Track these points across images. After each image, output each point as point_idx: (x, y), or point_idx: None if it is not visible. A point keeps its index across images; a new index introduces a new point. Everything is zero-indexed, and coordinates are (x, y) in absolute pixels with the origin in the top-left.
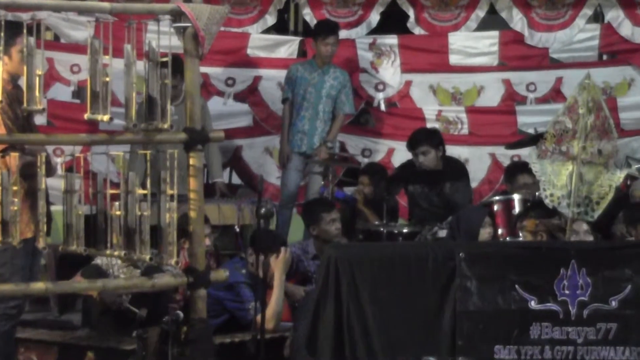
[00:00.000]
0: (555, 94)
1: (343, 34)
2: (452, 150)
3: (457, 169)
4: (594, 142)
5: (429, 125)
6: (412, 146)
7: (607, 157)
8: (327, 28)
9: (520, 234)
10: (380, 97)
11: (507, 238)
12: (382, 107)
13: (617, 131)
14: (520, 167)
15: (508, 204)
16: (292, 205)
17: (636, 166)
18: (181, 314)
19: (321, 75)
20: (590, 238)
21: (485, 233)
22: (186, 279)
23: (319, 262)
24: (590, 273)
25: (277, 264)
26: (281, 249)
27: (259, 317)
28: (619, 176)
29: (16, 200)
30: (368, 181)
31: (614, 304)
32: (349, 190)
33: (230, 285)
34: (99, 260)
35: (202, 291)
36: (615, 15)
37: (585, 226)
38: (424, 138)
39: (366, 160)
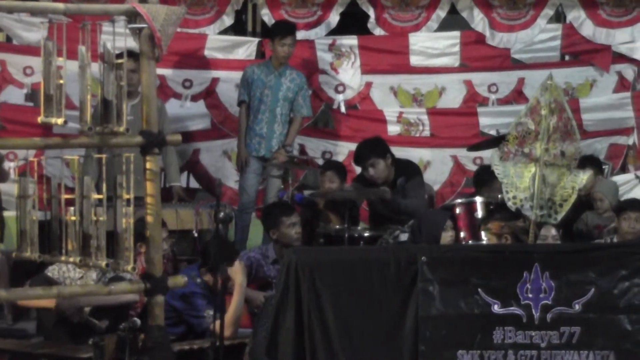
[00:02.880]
0: (517, 95)
1: (302, 34)
2: (414, 153)
3: (409, 168)
4: (556, 143)
5: (390, 127)
6: (358, 161)
7: (569, 159)
8: (284, 28)
9: (484, 236)
10: (340, 98)
11: (470, 241)
12: (342, 109)
13: (580, 132)
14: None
15: (470, 207)
16: (251, 210)
17: (635, 172)
18: (138, 321)
19: (277, 77)
20: (552, 232)
21: (447, 236)
22: (143, 285)
23: (279, 267)
24: (553, 276)
25: (237, 272)
26: (235, 262)
27: (216, 325)
28: (582, 178)
29: None
30: (335, 177)
31: (577, 307)
32: (309, 193)
33: (184, 296)
34: (49, 273)
35: (159, 298)
36: (576, 16)
37: (553, 231)
38: (369, 150)
39: None
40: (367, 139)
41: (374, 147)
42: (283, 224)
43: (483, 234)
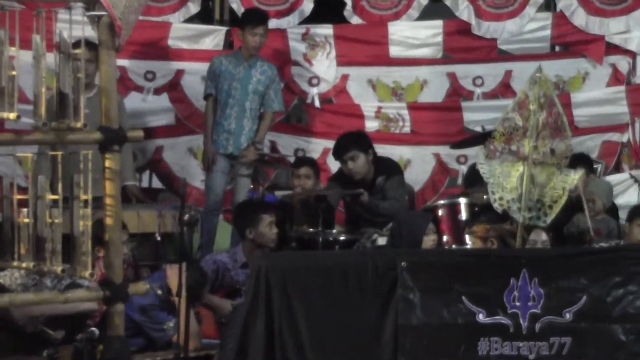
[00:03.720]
0: (504, 89)
1: (273, 23)
2: (393, 151)
3: (389, 166)
4: (546, 141)
5: (368, 123)
6: (338, 153)
7: (560, 157)
8: (256, 17)
9: (469, 241)
10: (314, 92)
11: (453, 246)
12: (317, 103)
13: (571, 129)
14: None
15: (454, 209)
16: (219, 212)
17: (630, 172)
18: (96, 331)
19: (247, 69)
20: (543, 236)
21: (429, 240)
22: (102, 293)
23: (249, 272)
24: (542, 283)
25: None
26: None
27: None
28: (573, 178)
29: None
30: (311, 172)
31: (568, 316)
32: (281, 194)
33: (144, 308)
34: (0, 279)
35: (119, 306)
36: (568, 4)
37: (544, 236)
38: (351, 142)
39: None
40: (349, 132)
41: (356, 139)
42: (262, 222)
43: (467, 237)
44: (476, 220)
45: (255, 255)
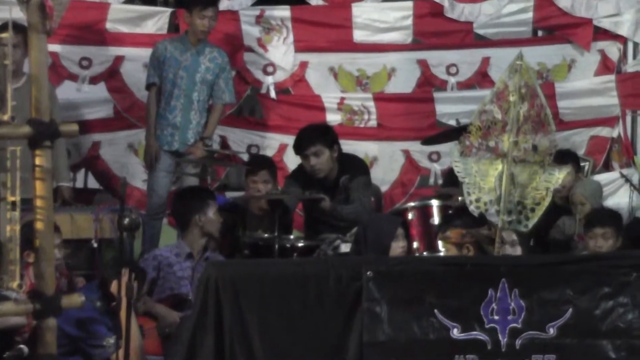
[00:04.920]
0: (481, 78)
1: (224, 4)
2: (357, 146)
3: (354, 164)
4: (527, 136)
5: (329, 116)
6: (300, 147)
7: (543, 154)
8: None
9: (442, 247)
10: (269, 81)
11: (425, 253)
12: (272, 94)
13: (555, 123)
14: None
15: (425, 212)
16: (162, 215)
17: (620, 170)
18: (25, 349)
19: (195, 55)
20: (518, 251)
21: (397, 247)
22: (32, 306)
23: (197, 283)
24: (523, 294)
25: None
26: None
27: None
28: (558, 177)
29: None
30: (270, 177)
31: (552, 331)
32: (232, 195)
33: (81, 322)
34: None
35: (51, 321)
36: None
37: (513, 236)
38: (315, 135)
39: None
40: (313, 123)
41: (321, 133)
42: (210, 208)
43: (440, 243)
44: (450, 225)
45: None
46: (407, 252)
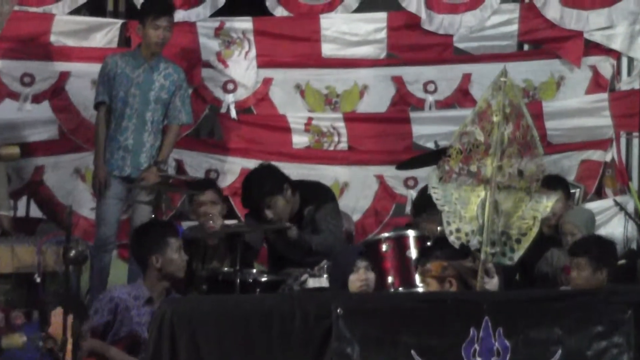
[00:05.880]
0: (462, 96)
1: (180, 15)
2: (327, 171)
3: (318, 193)
4: (512, 160)
5: (295, 137)
6: (250, 205)
7: (529, 180)
8: (158, 6)
9: (421, 281)
10: (229, 100)
11: (400, 288)
12: (233, 113)
13: (543, 145)
14: None
15: (401, 243)
16: (112, 246)
17: (614, 197)
18: None
19: (148, 72)
20: (495, 281)
21: (356, 280)
22: None
23: (151, 321)
24: (508, 333)
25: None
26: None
27: None
28: (546, 205)
29: None
30: (216, 197)
31: None
32: (189, 225)
33: None
34: None
35: None
36: None
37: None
38: (261, 188)
39: None
40: (253, 172)
41: (264, 183)
42: (170, 247)
43: (418, 278)
44: (430, 256)
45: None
46: (380, 286)
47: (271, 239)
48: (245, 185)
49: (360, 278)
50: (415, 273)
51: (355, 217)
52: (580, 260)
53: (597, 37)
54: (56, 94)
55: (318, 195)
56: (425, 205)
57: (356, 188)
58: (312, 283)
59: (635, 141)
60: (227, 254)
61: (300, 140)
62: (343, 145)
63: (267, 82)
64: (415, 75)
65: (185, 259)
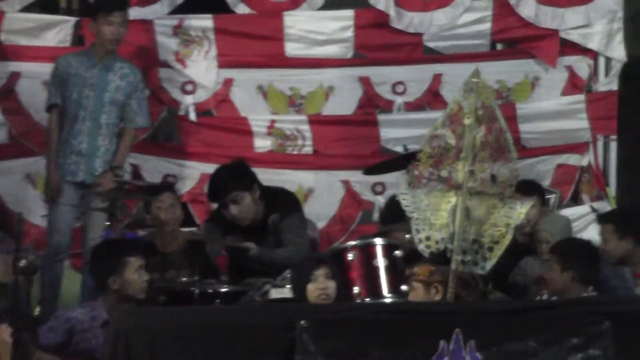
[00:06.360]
0: (432, 98)
1: (136, 12)
2: (291, 177)
3: (283, 200)
4: (485, 164)
5: (258, 141)
6: (216, 196)
7: (503, 186)
8: (112, 1)
9: (406, 289)
10: (188, 102)
11: (367, 299)
12: (192, 116)
13: (517, 149)
14: None
15: (368, 252)
16: (65, 256)
17: (591, 204)
18: None
19: (103, 72)
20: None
21: (315, 290)
22: None
23: (105, 336)
24: (481, 346)
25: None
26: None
27: None
28: (520, 212)
29: None
30: (175, 200)
31: None
32: (146, 232)
33: None
34: None
35: None
36: None
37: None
38: (230, 180)
39: None
40: (224, 166)
41: (236, 176)
42: (128, 268)
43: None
44: (419, 259)
45: (112, 314)
46: (344, 297)
47: (231, 249)
48: (215, 177)
49: (319, 287)
50: (382, 283)
51: (320, 225)
52: (552, 259)
53: (573, 36)
54: (6, 95)
55: (283, 203)
56: (393, 212)
57: (321, 194)
58: (275, 294)
59: (612, 145)
60: (187, 263)
61: (262, 143)
62: (307, 149)
63: (228, 83)
64: (383, 76)
65: (146, 279)
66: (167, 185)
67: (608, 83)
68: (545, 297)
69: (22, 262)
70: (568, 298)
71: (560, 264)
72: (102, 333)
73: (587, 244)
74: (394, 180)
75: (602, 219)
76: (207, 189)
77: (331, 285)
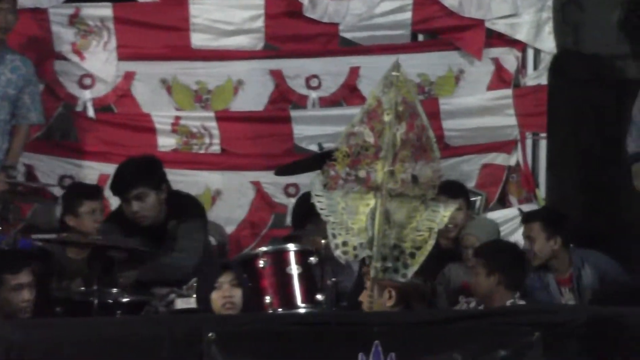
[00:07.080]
0: (349, 93)
1: (29, 0)
2: (197, 178)
3: (184, 206)
4: (406, 164)
5: (161, 139)
6: (120, 189)
7: (425, 187)
8: None
9: (321, 299)
10: (86, 97)
11: (280, 309)
12: (90, 112)
13: (440, 148)
14: None
15: (280, 259)
16: None
17: (519, 206)
18: None
19: None
20: None
21: (219, 298)
22: None
23: None
24: (402, 359)
25: None
26: None
27: None
28: (443, 215)
29: None
30: (97, 205)
31: None
32: (40, 238)
33: None
34: None
35: None
36: None
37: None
38: (138, 175)
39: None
40: (135, 158)
41: (145, 171)
42: (5, 286)
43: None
44: None
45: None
46: (256, 307)
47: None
48: (122, 168)
49: (223, 295)
50: (296, 292)
51: (229, 229)
52: (477, 263)
53: (500, 26)
54: None
55: (186, 209)
56: (307, 215)
57: (230, 196)
58: (181, 304)
59: (542, 143)
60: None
61: (166, 142)
62: (215, 148)
63: (129, 76)
64: (296, 69)
65: (28, 299)
66: (91, 187)
67: (537, 77)
68: (472, 305)
69: None
70: (495, 307)
71: (486, 267)
72: None
73: (513, 246)
74: (308, 182)
75: (529, 217)
76: (112, 180)
77: (237, 293)
